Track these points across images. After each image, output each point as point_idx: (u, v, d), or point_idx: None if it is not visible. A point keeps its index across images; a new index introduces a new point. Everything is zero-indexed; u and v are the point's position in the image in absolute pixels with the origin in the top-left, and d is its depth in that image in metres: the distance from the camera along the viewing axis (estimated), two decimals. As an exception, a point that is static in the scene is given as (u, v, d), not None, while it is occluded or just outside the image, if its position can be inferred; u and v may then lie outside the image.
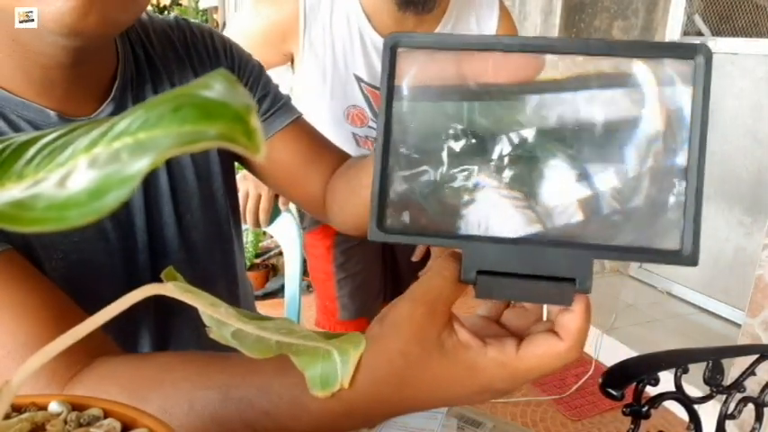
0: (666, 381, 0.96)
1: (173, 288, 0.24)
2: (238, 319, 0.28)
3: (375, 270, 1.38)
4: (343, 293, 1.35)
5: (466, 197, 0.33)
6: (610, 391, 0.91)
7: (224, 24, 5.88)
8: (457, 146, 0.33)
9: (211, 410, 0.42)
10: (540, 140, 0.32)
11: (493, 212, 0.33)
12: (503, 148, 0.32)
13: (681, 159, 0.31)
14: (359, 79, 1.18)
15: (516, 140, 0.32)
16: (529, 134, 0.32)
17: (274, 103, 0.74)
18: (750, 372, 0.99)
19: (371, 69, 1.18)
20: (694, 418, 0.97)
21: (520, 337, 0.37)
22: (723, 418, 0.98)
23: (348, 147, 1.22)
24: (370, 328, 0.39)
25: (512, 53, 0.32)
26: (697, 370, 0.97)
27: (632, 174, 0.31)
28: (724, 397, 0.99)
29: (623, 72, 0.32)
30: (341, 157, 0.75)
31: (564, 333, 0.34)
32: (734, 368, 1.50)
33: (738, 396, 0.98)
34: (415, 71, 0.33)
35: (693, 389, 0.98)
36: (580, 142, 0.32)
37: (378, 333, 0.37)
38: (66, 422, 0.28)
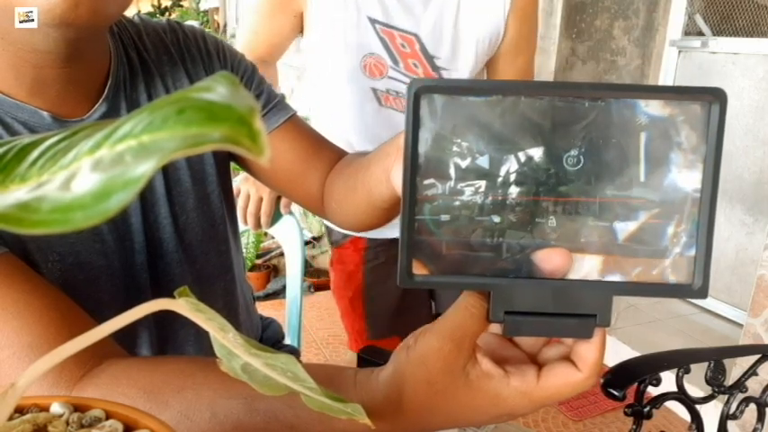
0: (668, 381, 0.96)
1: (184, 305, 0.24)
2: (246, 350, 0.28)
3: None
4: (372, 312, 1.32)
5: (492, 241, 0.34)
6: (611, 391, 0.91)
7: (225, 25, 5.88)
8: (482, 192, 0.34)
9: (234, 420, 0.42)
10: (562, 181, 0.33)
11: (520, 254, 0.34)
12: (529, 189, 0.34)
13: (693, 198, 0.33)
14: (373, 21, 1.12)
15: (541, 180, 0.33)
16: (548, 168, 0.33)
17: (268, 102, 0.74)
18: (752, 372, 0.99)
19: (385, 8, 1.11)
20: (696, 419, 0.96)
21: (532, 356, 0.39)
22: (725, 419, 0.98)
23: (370, 107, 1.17)
24: (397, 355, 0.40)
25: (537, 95, 0.33)
26: (699, 370, 0.97)
27: (648, 213, 0.33)
28: (726, 397, 0.99)
29: (643, 114, 0.33)
30: (338, 154, 0.76)
31: (582, 364, 0.36)
32: (736, 368, 1.50)
33: (740, 396, 0.98)
34: (439, 116, 0.34)
35: (695, 389, 0.98)
36: (600, 182, 0.33)
37: (405, 362, 0.39)
38: (68, 423, 0.28)
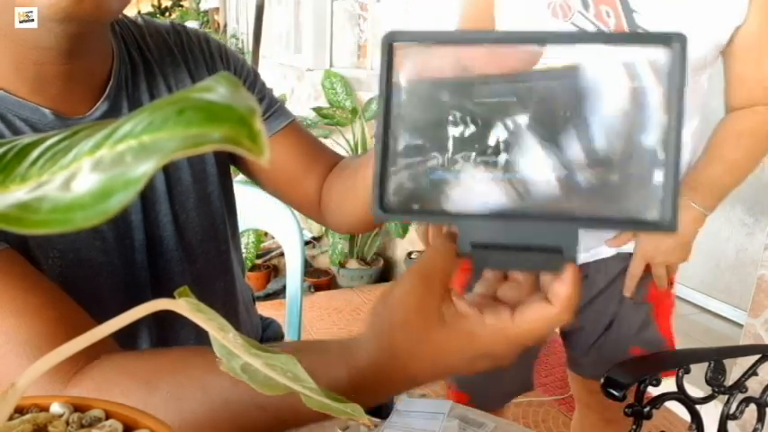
0: (668, 381, 0.96)
1: (184, 305, 0.24)
2: (246, 351, 0.28)
3: None
4: None
5: (460, 179, 0.35)
6: (611, 391, 0.91)
7: (225, 25, 5.89)
8: (452, 132, 0.36)
9: (224, 395, 0.43)
10: (529, 125, 0.35)
11: (487, 191, 0.35)
12: (495, 133, 0.35)
13: (660, 137, 0.34)
14: None
15: (508, 125, 0.35)
16: (520, 120, 0.35)
17: (270, 107, 0.75)
18: (752, 372, 0.99)
19: None
20: (696, 419, 0.96)
21: (514, 307, 0.39)
22: (725, 419, 0.98)
23: None
24: (375, 306, 0.41)
25: (506, 45, 0.36)
26: (699, 370, 0.97)
27: (615, 151, 0.34)
28: (726, 397, 0.99)
29: (608, 59, 0.35)
30: (335, 159, 0.77)
31: (554, 299, 0.37)
32: (736, 368, 1.50)
33: (740, 396, 0.98)
34: (412, 64, 0.36)
35: (695, 389, 0.98)
36: (567, 124, 0.35)
37: (381, 310, 0.40)
38: (68, 423, 0.28)
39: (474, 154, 0.35)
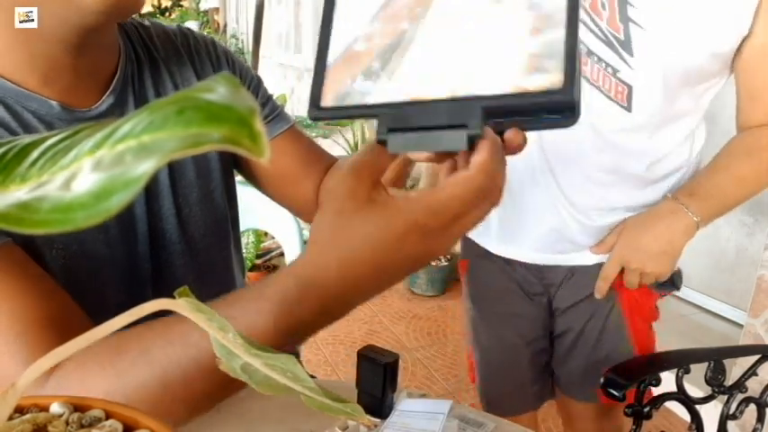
0: (668, 381, 0.96)
1: (184, 305, 0.24)
2: (246, 351, 0.28)
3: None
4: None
5: (381, 76, 0.39)
6: (611, 391, 0.91)
7: (225, 25, 5.89)
8: (378, 39, 0.40)
9: (174, 359, 0.44)
10: (436, 20, 0.39)
11: (403, 85, 0.39)
12: (409, 34, 0.39)
13: (556, 13, 0.36)
14: None
15: (418, 25, 0.39)
16: (429, 17, 0.39)
17: (272, 112, 0.78)
18: (752, 372, 0.99)
19: None
20: (696, 419, 0.96)
21: None
22: (725, 419, 0.98)
23: None
24: (317, 210, 0.45)
25: None
26: (699, 370, 0.97)
27: (513, 27, 0.37)
28: (726, 397, 0.99)
29: None
30: (332, 161, 0.79)
31: (471, 165, 0.39)
32: (735, 368, 1.50)
33: (740, 396, 0.98)
34: None
35: (695, 389, 0.98)
36: (470, 14, 0.38)
37: (321, 199, 0.44)
38: (67, 423, 0.28)
39: (393, 54, 0.39)
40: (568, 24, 0.35)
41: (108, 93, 0.62)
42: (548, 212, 1.00)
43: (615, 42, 0.88)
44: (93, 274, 0.61)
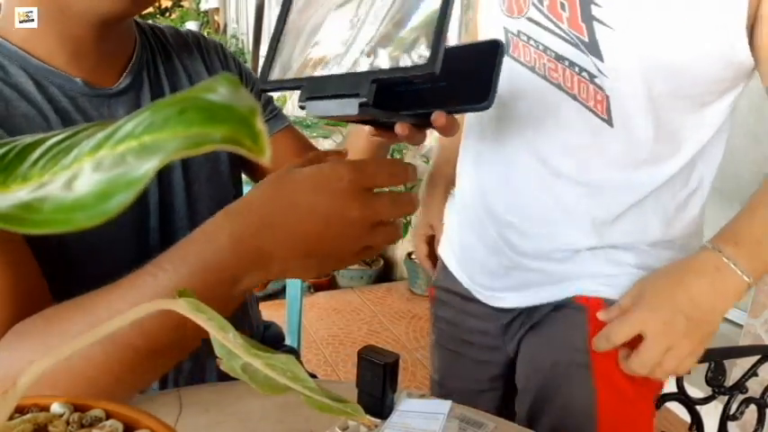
0: (668, 381, 0.96)
1: (184, 305, 0.24)
2: (246, 351, 0.28)
3: None
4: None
5: (312, 56, 0.49)
6: (611, 391, 0.90)
7: (225, 26, 5.89)
8: (306, 20, 0.51)
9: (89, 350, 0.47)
10: (345, 12, 0.49)
11: (324, 63, 0.49)
12: (329, 23, 0.50)
13: (434, 2, 0.44)
14: None
15: (330, 18, 0.50)
16: (341, 7, 0.50)
17: (272, 111, 0.84)
18: (752, 372, 0.99)
19: None
20: (696, 419, 0.97)
21: None
22: (725, 419, 0.98)
23: None
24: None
25: None
26: (699, 371, 0.97)
27: (401, 14, 0.45)
28: (726, 398, 0.99)
29: None
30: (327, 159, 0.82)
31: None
32: (736, 369, 1.50)
33: (740, 397, 0.98)
34: None
35: (695, 390, 0.98)
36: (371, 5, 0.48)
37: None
38: (68, 423, 0.28)
39: (314, 38, 0.50)
40: (441, 9, 0.43)
41: (126, 73, 0.69)
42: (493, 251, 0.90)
43: (581, 44, 0.75)
44: (104, 247, 0.63)
